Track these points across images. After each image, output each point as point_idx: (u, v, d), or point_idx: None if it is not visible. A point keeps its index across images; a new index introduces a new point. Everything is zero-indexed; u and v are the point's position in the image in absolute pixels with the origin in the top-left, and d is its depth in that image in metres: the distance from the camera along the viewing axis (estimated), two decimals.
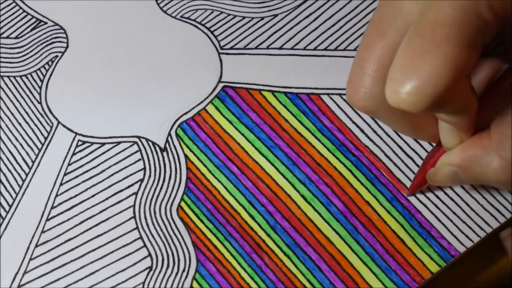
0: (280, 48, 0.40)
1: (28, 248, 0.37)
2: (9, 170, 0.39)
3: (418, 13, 0.28)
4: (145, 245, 0.37)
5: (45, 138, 0.40)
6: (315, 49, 0.40)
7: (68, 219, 0.38)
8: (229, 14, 0.42)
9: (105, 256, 0.37)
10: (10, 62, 0.42)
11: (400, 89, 0.26)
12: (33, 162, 0.39)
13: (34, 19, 0.43)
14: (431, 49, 0.25)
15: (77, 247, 0.37)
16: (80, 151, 0.39)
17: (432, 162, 0.34)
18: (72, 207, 0.38)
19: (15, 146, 0.39)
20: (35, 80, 0.41)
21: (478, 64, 0.33)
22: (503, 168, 0.30)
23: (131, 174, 0.38)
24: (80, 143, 0.39)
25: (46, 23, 0.43)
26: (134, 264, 0.36)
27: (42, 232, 0.37)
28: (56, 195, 0.38)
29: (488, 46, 0.30)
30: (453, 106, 0.27)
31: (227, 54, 0.41)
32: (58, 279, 0.36)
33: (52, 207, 0.38)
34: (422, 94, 0.25)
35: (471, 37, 0.26)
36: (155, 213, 0.37)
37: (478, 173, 0.31)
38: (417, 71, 0.25)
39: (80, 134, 0.39)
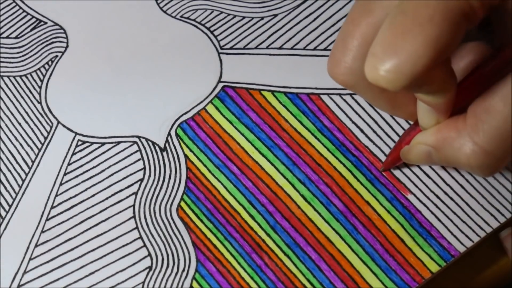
0: (280, 48, 0.41)
1: (28, 248, 0.37)
2: (9, 170, 0.39)
3: None
4: (145, 245, 0.37)
5: (45, 138, 0.40)
6: (315, 49, 0.40)
7: (68, 219, 0.38)
8: (229, 14, 0.42)
9: (105, 256, 0.36)
10: (10, 62, 0.42)
11: (379, 65, 0.26)
12: (33, 162, 0.39)
13: (34, 19, 0.43)
14: (413, 28, 0.25)
15: (77, 247, 0.37)
16: (80, 151, 0.39)
17: (407, 139, 0.34)
18: (72, 207, 0.38)
19: (15, 146, 0.39)
20: (35, 80, 0.41)
21: (464, 49, 0.33)
22: (474, 153, 0.30)
23: (131, 174, 0.38)
24: (80, 143, 0.39)
25: (46, 23, 0.43)
26: (134, 264, 0.36)
27: (42, 232, 0.37)
28: (56, 195, 0.38)
29: (475, 32, 0.30)
30: (431, 87, 0.27)
31: (227, 54, 0.41)
32: (58, 279, 0.36)
33: (52, 207, 0.38)
34: (401, 72, 0.25)
35: (454, 20, 0.26)
36: (155, 213, 0.37)
37: (450, 155, 0.31)
38: (398, 49, 0.25)
39: (80, 134, 0.39)
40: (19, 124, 0.40)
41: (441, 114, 0.31)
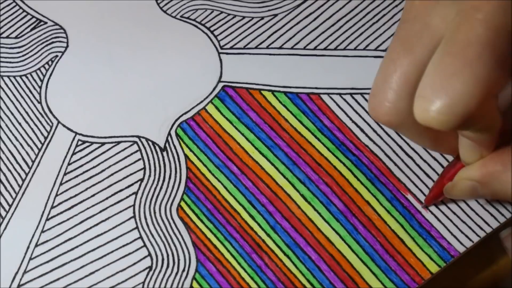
0: (280, 47, 0.40)
1: (28, 247, 0.37)
2: (9, 170, 0.39)
3: (446, 29, 0.27)
4: (145, 245, 0.37)
5: (45, 138, 0.40)
6: (315, 48, 0.40)
7: (68, 219, 0.38)
8: (229, 14, 0.42)
9: (105, 256, 0.37)
10: (10, 62, 0.42)
11: (430, 107, 0.26)
12: (33, 162, 0.39)
13: (34, 19, 0.43)
14: (462, 68, 0.25)
15: (77, 246, 0.37)
16: (80, 150, 0.39)
17: (449, 175, 0.34)
18: (72, 206, 0.38)
19: (15, 146, 0.39)
20: (35, 80, 0.41)
21: None
22: None
23: (131, 174, 0.38)
24: (80, 142, 0.39)
25: (46, 23, 0.43)
26: (134, 264, 0.36)
27: (42, 231, 0.37)
28: (56, 195, 0.38)
29: None
30: (479, 125, 0.27)
31: (227, 54, 0.41)
32: (58, 279, 0.36)
33: (52, 207, 0.38)
34: (452, 113, 0.25)
35: (502, 57, 0.25)
36: (155, 213, 0.37)
37: (497, 189, 0.31)
38: (448, 90, 0.25)
39: (80, 134, 0.40)
40: (19, 124, 0.40)
41: (485, 148, 0.31)
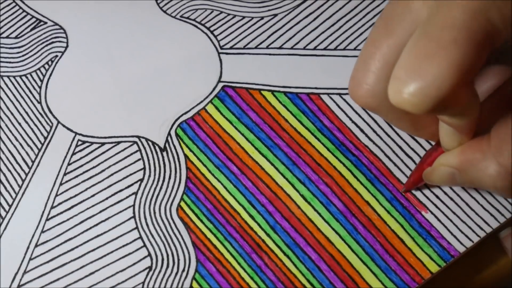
0: (280, 48, 0.40)
1: (28, 248, 0.37)
2: (9, 170, 0.39)
3: (427, 13, 0.28)
4: (144, 245, 0.37)
5: (45, 138, 0.40)
6: (314, 48, 0.40)
7: (68, 219, 0.38)
8: (229, 14, 0.42)
9: (105, 256, 0.37)
10: (10, 62, 0.42)
11: (404, 89, 0.25)
12: (33, 162, 0.39)
13: (34, 19, 0.43)
14: (437, 51, 0.25)
15: (77, 247, 0.37)
16: (80, 151, 0.39)
17: (429, 161, 0.34)
18: (72, 207, 0.38)
19: (15, 146, 0.39)
20: (35, 80, 0.41)
21: (487, 72, 0.33)
22: (499, 174, 0.30)
23: (131, 174, 0.38)
24: (80, 143, 0.39)
25: (46, 23, 0.43)
26: (134, 264, 0.36)
27: (42, 232, 0.37)
28: (56, 195, 0.38)
29: (497, 53, 0.29)
30: (455, 109, 0.27)
31: (227, 54, 0.41)
32: (58, 279, 0.36)
33: (52, 207, 0.38)
34: (425, 95, 0.25)
35: (478, 41, 0.25)
36: (155, 213, 0.37)
37: (474, 176, 0.31)
38: (422, 73, 0.25)
39: (80, 134, 0.40)
40: (19, 124, 0.40)
41: (464, 135, 0.31)
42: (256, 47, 0.41)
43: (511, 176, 0.30)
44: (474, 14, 0.25)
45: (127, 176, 0.38)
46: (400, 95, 0.26)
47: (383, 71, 0.30)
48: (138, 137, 0.39)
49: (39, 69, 0.41)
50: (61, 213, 0.38)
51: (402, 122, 0.33)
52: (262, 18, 0.41)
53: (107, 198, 0.38)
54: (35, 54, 0.42)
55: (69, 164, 0.39)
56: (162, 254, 0.36)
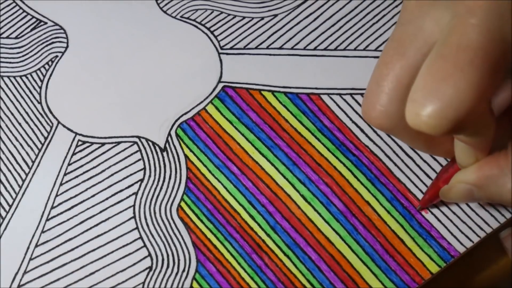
0: (280, 48, 0.40)
1: (28, 248, 0.37)
2: (9, 170, 0.39)
3: (439, 33, 0.27)
4: (145, 245, 0.37)
5: (45, 138, 0.40)
6: (315, 49, 0.40)
7: (68, 219, 0.38)
8: (229, 14, 0.42)
9: (105, 256, 0.37)
10: (10, 62, 0.42)
11: (421, 111, 0.25)
12: (33, 162, 0.39)
13: (34, 19, 0.43)
14: (454, 73, 0.25)
15: (77, 247, 0.37)
16: (80, 151, 0.39)
17: (445, 178, 0.34)
18: (72, 207, 0.38)
19: (15, 146, 0.39)
20: (35, 80, 0.41)
21: (500, 85, 0.33)
22: None
23: (131, 174, 0.38)
24: (80, 143, 0.39)
25: (46, 23, 0.43)
26: (134, 264, 0.36)
27: (42, 232, 0.37)
28: (56, 195, 0.38)
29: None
30: (472, 129, 0.27)
31: (227, 54, 0.41)
32: (58, 279, 0.36)
33: (52, 207, 0.38)
34: (443, 117, 0.25)
35: (495, 61, 0.25)
36: (155, 213, 0.37)
37: (493, 192, 0.31)
38: (439, 94, 0.25)
39: (80, 134, 0.40)
40: (19, 124, 0.40)
41: (480, 151, 0.31)
42: (256, 48, 0.41)
43: None
44: (489, 35, 0.25)
45: (128, 176, 0.38)
46: (418, 118, 0.26)
47: (397, 92, 0.30)
48: (138, 137, 0.39)
49: (39, 69, 0.41)
50: (61, 213, 0.38)
51: (417, 142, 0.33)
52: (262, 18, 0.41)
53: (107, 198, 0.38)
54: (35, 54, 0.42)
55: (69, 164, 0.39)
56: (162, 254, 0.36)
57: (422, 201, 0.36)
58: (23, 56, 0.42)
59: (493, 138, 0.30)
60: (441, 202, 0.36)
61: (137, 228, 0.37)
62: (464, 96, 0.25)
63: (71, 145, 0.39)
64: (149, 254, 0.36)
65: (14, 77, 0.41)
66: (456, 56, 0.25)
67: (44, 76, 0.41)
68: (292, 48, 0.40)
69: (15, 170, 0.39)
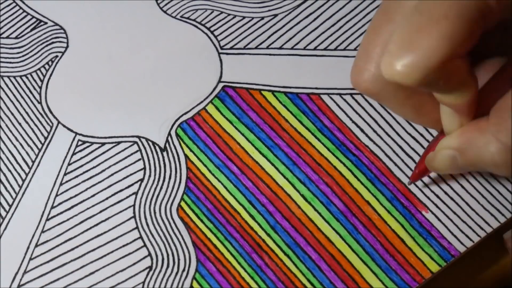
0: (280, 48, 0.41)
1: (28, 248, 0.37)
2: (9, 170, 0.39)
3: None
4: (145, 245, 0.37)
5: (45, 138, 0.40)
6: (315, 49, 0.40)
7: (68, 219, 0.38)
8: (229, 14, 0.42)
9: (105, 256, 0.36)
10: (10, 62, 0.42)
11: (395, 61, 0.26)
12: (33, 162, 0.39)
13: (34, 19, 0.43)
14: (428, 25, 0.26)
15: (77, 246, 0.37)
16: (80, 151, 0.39)
17: (432, 148, 0.34)
18: (72, 207, 0.38)
19: (15, 146, 0.39)
20: (35, 80, 0.41)
21: (486, 65, 0.33)
22: (499, 151, 0.30)
23: (131, 174, 0.38)
24: (80, 143, 0.39)
25: (46, 23, 0.43)
26: (134, 263, 0.36)
27: (42, 232, 0.37)
28: (56, 195, 0.38)
29: (493, 36, 0.30)
30: (448, 84, 0.28)
31: (227, 54, 0.41)
32: (58, 279, 0.36)
33: (52, 207, 0.38)
34: (416, 66, 0.26)
35: (470, 17, 0.26)
36: (155, 213, 0.37)
37: (474, 155, 0.31)
38: (413, 46, 0.26)
39: (80, 134, 0.40)
40: (19, 124, 0.40)
41: (464, 116, 0.31)
42: (256, 47, 0.41)
43: (511, 152, 0.30)
44: None
45: (127, 176, 0.38)
46: (392, 68, 0.26)
47: None
48: (139, 137, 0.39)
49: (39, 69, 0.41)
50: (61, 213, 0.38)
51: (404, 108, 0.33)
52: (262, 18, 0.41)
53: (107, 198, 0.38)
54: (35, 54, 0.42)
55: (69, 164, 0.39)
56: (162, 254, 0.36)
57: (412, 175, 0.36)
58: (23, 56, 0.42)
59: (476, 103, 0.30)
60: (441, 202, 0.36)
61: (137, 227, 0.37)
62: (437, 46, 0.26)
63: (71, 145, 0.39)
64: (149, 254, 0.36)
65: (14, 77, 0.41)
66: (431, 10, 0.26)
67: (44, 76, 0.41)
68: (292, 48, 0.40)
69: (15, 170, 0.39)
